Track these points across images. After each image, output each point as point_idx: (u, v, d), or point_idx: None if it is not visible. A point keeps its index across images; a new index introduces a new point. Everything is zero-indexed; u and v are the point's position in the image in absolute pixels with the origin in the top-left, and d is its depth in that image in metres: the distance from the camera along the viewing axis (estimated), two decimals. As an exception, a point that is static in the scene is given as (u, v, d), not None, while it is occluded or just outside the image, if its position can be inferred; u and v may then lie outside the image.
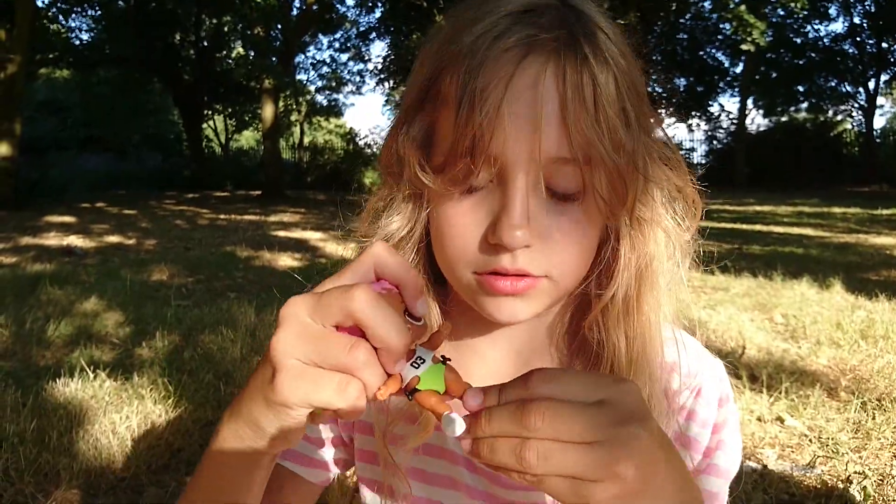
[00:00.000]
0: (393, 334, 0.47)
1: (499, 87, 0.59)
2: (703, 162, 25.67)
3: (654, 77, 26.65)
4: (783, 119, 26.76)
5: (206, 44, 25.51)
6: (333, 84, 31.89)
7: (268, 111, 20.36)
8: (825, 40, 26.12)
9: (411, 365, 0.50)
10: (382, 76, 25.55)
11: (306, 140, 31.61)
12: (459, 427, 0.48)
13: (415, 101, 0.66)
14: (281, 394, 0.49)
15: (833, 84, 26.13)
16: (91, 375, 3.09)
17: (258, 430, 0.56)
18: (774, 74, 26.38)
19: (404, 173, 0.67)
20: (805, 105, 26.60)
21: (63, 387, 2.95)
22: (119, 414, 2.72)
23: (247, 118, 31.88)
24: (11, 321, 4.26)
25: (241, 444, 0.58)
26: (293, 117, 30.28)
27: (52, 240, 9.49)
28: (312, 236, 9.65)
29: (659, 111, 0.81)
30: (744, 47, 18.28)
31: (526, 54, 0.59)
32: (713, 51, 26.88)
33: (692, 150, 26.58)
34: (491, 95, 0.58)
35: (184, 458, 2.44)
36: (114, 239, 9.72)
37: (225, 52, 26.24)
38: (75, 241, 9.37)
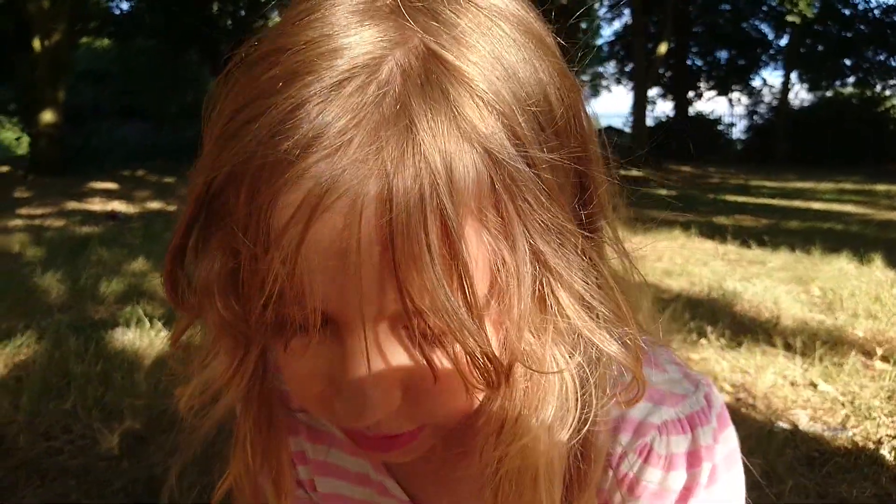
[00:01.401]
0: None
1: (296, 226, 0.38)
2: (743, 138, 25.14)
3: (694, 50, 26.12)
4: (828, 94, 26.03)
5: (243, 13, 25.65)
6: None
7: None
8: (875, 12, 25.25)
9: None
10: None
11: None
12: None
13: (195, 219, 0.45)
14: None
15: (882, 58, 25.31)
16: (148, 325, 3.25)
17: None
18: (820, 47, 25.63)
19: (208, 316, 0.46)
20: (852, 79, 25.84)
21: (121, 335, 3.12)
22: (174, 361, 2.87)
23: (282, 88, 32.01)
24: (67, 278, 4.45)
25: None
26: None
27: (96, 205, 9.78)
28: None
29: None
30: (789, 19, 17.78)
31: (333, 173, 0.38)
32: (756, 23, 26.19)
33: (732, 125, 26.06)
34: (286, 237, 0.38)
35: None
36: (155, 205, 9.98)
37: (262, 23, 26.33)
38: (118, 206, 9.65)
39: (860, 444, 2.32)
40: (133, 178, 15.57)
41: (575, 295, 0.44)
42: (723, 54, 26.41)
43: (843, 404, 2.66)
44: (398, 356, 0.44)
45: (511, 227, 0.41)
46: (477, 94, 0.40)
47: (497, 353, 0.42)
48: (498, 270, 0.41)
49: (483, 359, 0.42)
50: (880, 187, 13.56)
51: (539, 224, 0.42)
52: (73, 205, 9.65)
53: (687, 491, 0.55)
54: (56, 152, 15.49)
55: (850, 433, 2.40)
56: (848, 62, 25.69)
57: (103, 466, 2.09)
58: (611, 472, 0.55)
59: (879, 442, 2.32)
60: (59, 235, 6.64)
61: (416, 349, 0.44)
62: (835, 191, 13.02)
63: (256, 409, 0.58)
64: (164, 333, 3.21)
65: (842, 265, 5.28)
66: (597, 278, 0.47)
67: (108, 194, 11.39)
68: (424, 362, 0.44)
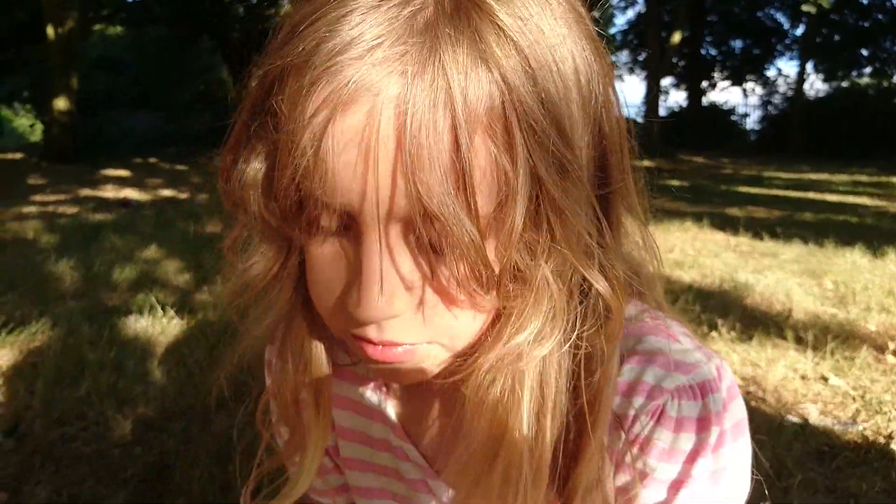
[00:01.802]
0: None
1: (319, 125, 0.44)
2: (757, 128, 24.92)
3: (708, 39, 25.86)
4: (844, 84, 25.73)
5: (254, 1, 25.64)
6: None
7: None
8: (893, 1, 24.89)
9: None
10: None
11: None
12: None
13: (248, 118, 0.51)
14: None
15: (899, 48, 24.97)
16: (160, 312, 3.28)
17: None
18: (837, 37, 25.31)
19: (250, 213, 0.52)
20: (868, 70, 25.52)
21: (134, 323, 3.15)
22: (187, 347, 2.90)
23: (294, 77, 32.03)
24: (80, 265, 4.49)
25: None
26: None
27: (109, 192, 9.84)
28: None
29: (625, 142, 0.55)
30: (805, 8, 17.55)
31: (360, 73, 0.43)
32: (772, 12, 25.89)
33: (746, 115, 25.84)
34: (308, 134, 0.44)
35: (246, 392, 2.59)
36: (167, 193, 10.03)
37: (273, 10, 26.34)
38: (131, 193, 9.71)
39: (871, 438, 2.31)
40: (145, 165, 15.65)
41: (568, 226, 0.47)
42: (737, 44, 26.16)
43: (853, 398, 2.64)
44: (406, 261, 0.48)
45: (516, 148, 0.44)
46: (500, 27, 0.43)
47: (491, 262, 0.46)
48: (499, 185, 0.44)
49: (478, 264, 0.46)
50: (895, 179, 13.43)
51: (543, 154, 0.45)
52: (86, 192, 9.71)
53: (695, 453, 0.57)
54: (69, 140, 15.58)
55: (861, 427, 2.39)
56: (864, 52, 25.36)
57: (117, 453, 2.12)
58: (623, 433, 0.58)
59: (890, 437, 2.31)
60: (73, 222, 6.69)
61: (423, 258, 0.48)
62: (849, 183, 12.90)
63: (300, 320, 0.63)
64: (176, 321, 3.24)
65: (855, 258, 5.23)
66: (596, 222, 0.51)
67: (121, 182, 11.46)
68: (429, 271, 0.48)
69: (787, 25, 26.21)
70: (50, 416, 2.30)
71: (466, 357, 0.53)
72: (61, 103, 15.37)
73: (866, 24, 24.74)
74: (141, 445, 2.17)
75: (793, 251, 5.54)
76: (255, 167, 0.50)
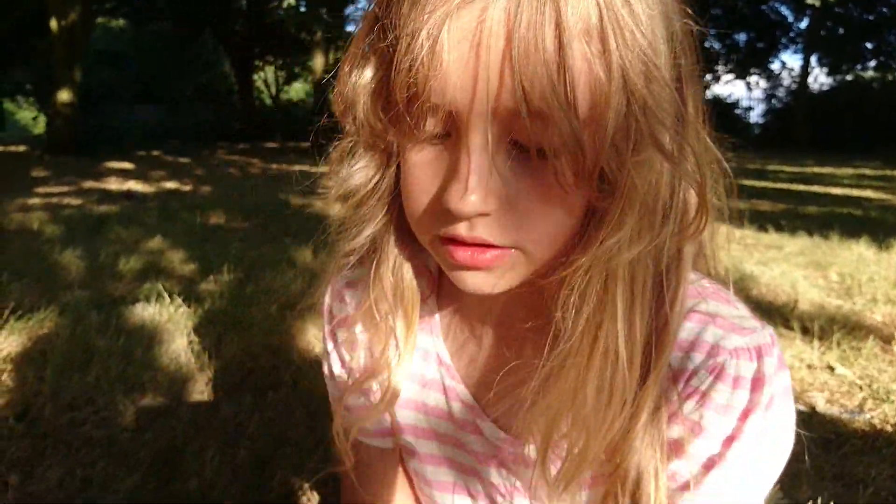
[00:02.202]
0: None
1: (436, 22, 0.48)
2: (761, 122, 24.85)
3: (712, 33, 25.66)
4: (848, 78, 25.63)
5: (257, -6, 25.58)
6: (383, 36, 31.62)
7: (318, 63, 20.45)
8: (898, -6, 24.75)
9: None
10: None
11: (355, 93, 31.59)
12: None
13: (366, 29, 0.57)
14: None
15: (904, 42, 24.86)
16: (168, 300, 3.29)
17: None
18: (841, 30, 25.21)
19: (359, 120, 0.58)
20: (873, 63, 25.42)
21: (142, 311, 3.16)
22: (195, 334, 2.91)
23: (296, 70, 32.02)
24: (86, 255, 4.50)
25: None
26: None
27: (112, 184, 9.85)
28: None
29: (700, 65, 0.60)
30: (809, 1, 17.50)
31: None
32: (776, 5, 25.79)
33: (750, 108, 25.77)
34: (426, 31, 0.48)
35: (254, 380, 2.61)
36: (171, 185, 10.03)
37: (276, 3, 26.28)
38: (134, 186, 9.71)
39: (878, 426, 2.31)
40: (148, 158, 15.67)
41: (656, 129, 0.51)
42: (741, 37, 26.07)
43: (860, 387, 2.65)
44: (504, 160, 0.52)
45: (611, 55, 0.48)
46: None
47: (589, 160, 0.50)
48: (595, 89, 0.48)
49: (577, 157, 0.50)
50: (900, 173, 13.39)
51: (635, 64, 0.49)
52: (89, 184, 9.72)
53: (747, 411, 0.61)
54: (72, 132, 15.60)
55: (868, 416, 2.40)
56: (869, 45, 25.24)
57: (127, 437, 2.13)
58: (681, 386, 0.62)
59: (897, 425, 2.31)
60: (77, 214, 6.70)
61: (520, 158, 0.53)
62: (854, 176, 12.87)
63: (391, 240, 0.68)
64: (183, 309, 3.24)
65: (860, 250, 5.23)
66: (679, 126, 0.54)
67: (125, 174, 11.47)
68: (525, 172, 0.53)
69: (791, 18, 26.11)
70: (60, 402, 2.31)
71: (549, 268, 0.58)
72: (64, 96, 15.37)
73: (871, 17, 24.62)
74: (151, 430, 2.18)
75: (797, 243, 5.53)
76: (368, 75, 0.56)
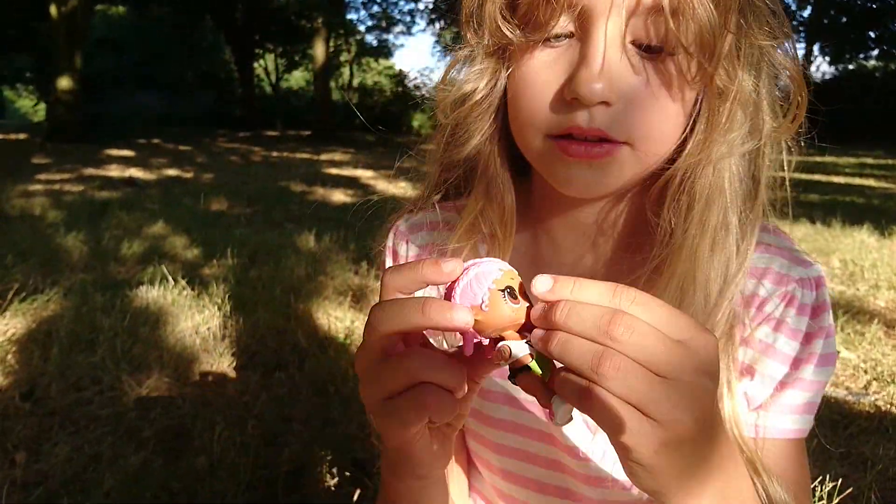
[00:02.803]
0: (440, 317, 0.45)
1: None
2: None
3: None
4: (850, 67, 25.52)
5: (257, -19, 25.43)
6: (383, 23, 31.52)
7: (319, 51, 20.37)
8: (902, -16, 24.60)
9: (525, 342, 0.46)
10: (433, 16, 25.18)
11: (355, 82, 31.55)
12: (569, 413, 0.45)
13: None
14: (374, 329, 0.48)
15: (907, 31, 24.72)
16: (171, 283, 3.28)
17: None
18: (844, 19, 25.08)
19: (484, 24, 0.62)
20: (875, 52, 25.30)
21: (146, 293, 3.16)
22: (200, 316, 2.91)
23: (297, 58, 31.90)
24: (89, 239, 4.50)
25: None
26: (342, 57, 30.18)
27: (114, 171, 9.83)
28: (364, 174, 9.77)
29: None
30: (813, -11, 17.36)
31: None
32: (779, -6, 25.60)
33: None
34: None
35: (260, 361, 2.61)
36: (172, 172, 10.02)
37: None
38: (136, 173, 9.69)
39: (883, 408, 2.31)
40: (149, 145, 15.64)
41: (763, 20, 0.59)
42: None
43: (865, 371, 2.65)
44: (632, 55, 0.57)
45: None
46: None
47: (715, 56, 0.55)
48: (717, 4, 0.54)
49: (706, 55, 0.55)
50: (902, 162, 13.35)
51: None
52: (91, 171, 9.70)
53: (811, 335, 0.67)
54: (73, 119, 15.56)
55: (873, 398, 2.40)
56: (872, 34, 25.11)
57: (134, 416, 2.13)
58: (753, 311, 0.67)
59: (902, 406, 2.32)
60: (79, 200, 6.69)
61: (645, 55, 0.57)
62: (856, 165, 12.84)
63: (495, 155, 0.70)
64: (187, 292, 3.24)
65: (863, 238, 5.23)
66: (780, 22, 0.61)
67: (126, 161, 11.45)
68: (650, 68, 0.57)
69: (794, 7, 25.95)
70: (66, 381, 2.31)
71: (659, 169, 0.62)
72: (64, 83, 15.33)
73: (874, 6, 24.49)
74: (158, 408, 2.18)
75: (800, 231, 5.53)
76: None
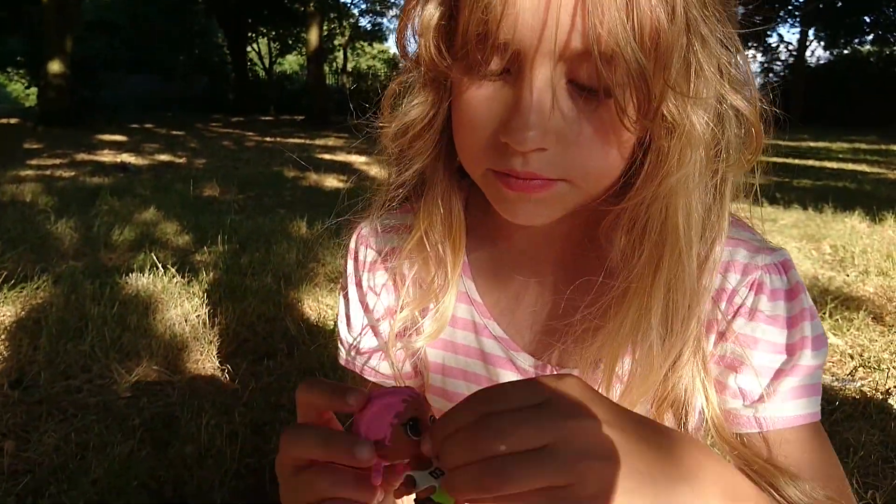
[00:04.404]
0: (342, 453, 0.48)
1: None
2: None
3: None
4: (845, 52, 25.49)
5: (250, -36, 25.17)
6: (377, 6, 31.30)
7: (312, 35, 20.20)
8: (897, -32, 24.50)
9: (430, 473, 0.49)
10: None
11: (349, 66, 31.35)
12: None
13: None
14: None
15: (902, 15, 24.67)
16: (161, 270, 3.28)
17: None
18: (839, 3, 25.01)
19: (420, 56, 0.62)
20: (870, 37, 25.25)
21: (136, 280, 3.15)
22: (190, 304, 2.91)
23: (290, 42, 31.67)
24: (80, 226, 4.48)
25: None
26: (336, 41, 29.96)
27: (105, 156, 9.77)
28: (357, 160, 9.73)
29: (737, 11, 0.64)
30: (809, -27, 17.30)
31: None
32: (775, -22, 25.50)
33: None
34: None
35: (249, 349, 2.61)
36: (164, 157, 9.97)
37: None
38: (128, 158, 9.64)
39: (868, 394, 2.33)
40: (142, 130, 15.54)
41: (712, 59, 0.56)
42: (738, 10, 25.80)
43: (851, 356, 2.67)
44: (565, 98, 0.55)
45: (676, 9, 0.52)
46: None
47: (654, 97, 0.54)
48: (659, 31, 0.52)
49: (643, 97, 0.53)
50: (895, 147, 13.38)
51: (692, 3, 0.53)
52: (82, 156, 9.65)
53: (793, 319, 0.66)
54: (65, 103, 15.43)
55: (859, 384, 2.42)
56: (867, 19, 25.06)
57: (123, 404, 2.14)
58: (723, 305, 0.67)
59: (888, 392, 2.33)
60: (71, 185, 6.65)
61: (580, 98, 0.55)
62: (849, 150, 12.87)
63: (440, 174, 0.71)
64: (177, 279, 3.24)
65: (854, 223, 5.25)
66: (733, 52, 0.59)
67: (118, 146, 11.38)
68: (585, 110, 0.55)
69: (789, -9, 25.86)
70: (55, 369, 2.31)
71: (597, 203, 0.62)
72: (55, 66, 15.19)
73: (870, -9, 24.41)
74: (146, 397, 2.19)
75: (792, 216, 5.54)
76: (434, 13, 0.59)
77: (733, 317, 0.67)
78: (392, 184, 0.75)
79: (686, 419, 0.67)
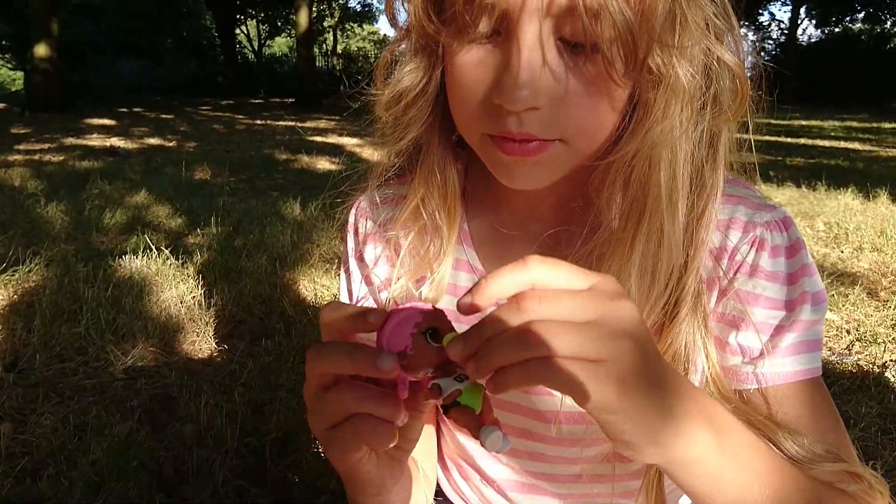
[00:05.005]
0: (366, 364, 0.48)
1: None
2: (749, 74, 24.75)
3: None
4: (836, 30, 25.45)
5: (238, -56, 24.83)
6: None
7: (302, 16, 19.97)
8: (889, -55, 24.41)
9: (454, 379, 0.49)
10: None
11: (339, 47, 31.09)
12: (501, 440, 0.48)
13: None
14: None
15: (893, -7, 24.62)
16: (155, 252, 3.25)
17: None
18: (831, -19, 24.92)
19: (410, 23, 0.63)
20: (861, 15, 25.21)
21: (129, 263, 3.12)
22: (185, 285, 2.89)
23: (279, 23, 31.36)
24: (70, 209, 4.44)
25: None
26: (326, 23, 29.68)
27: (95, 141, 9.67)
28: (349, 142, 9.67)
29: None
30: (801, -49, 17.22)
31: None
32: (767, -45, 25.37)
33: (738, 62, 25.53)
34: None
35: (246, 329, 2.60)
36: (154, 141, 9.88)
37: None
38: (117, 142, 9.54)
39: (865, 367, 2.34)
40: (131, 113, 15.39)
41: (697, 10, 0.57)
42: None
43: (847, 331, 2.68)
44: (555, 56, 0.55)
45: None
46: None
47: (640, 51, 0.54)
48: None
49: (629, 45, 0.53)
50: (887, 125, 13.41)
51: None
52: (71, 140, 9.55)
53: (793, 275, 0.66)
54: (53, 88, 15.24)
55: (856, 358, 2.43)
56: (859, -3, 24.99)
57: (119, 385, 2.12)
58: (725, 262, 0.67)
59: (885, 366, 2.34)
60: (60, 170, 6.58)
61: (569, 54, 0.56)
62: (841, 128, 12.89)
63: (436, 141, 0.70)
64: (171, 261, 3.21)
65: (847, 200, 5.26)
66: (721, 11, 0.60)
67: (107, 130, 11.27)
68: (574, 67, 0.56)
69: (782, -31, 25.76)
70: (50, 352, 2.29)
71: (593, 160, 0.62)
72: (42, 50, 14.99)
73: (862, -32, 24.35)
74: (143, 378, 2.17)
75: (785, 194, 5.55)
76: None
77: (734, 274, 0.67)
78: (388, 153, 0.76)
79: (686, 376, 0.66)
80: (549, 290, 0.44)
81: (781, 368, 0.66)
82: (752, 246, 0.66)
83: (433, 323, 0.50)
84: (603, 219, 0.64)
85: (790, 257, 0.66)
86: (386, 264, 0.80)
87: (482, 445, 0.48)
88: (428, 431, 0.88)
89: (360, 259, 0.83)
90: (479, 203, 0.77)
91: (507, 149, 0.59)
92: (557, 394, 0.73)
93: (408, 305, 0.51)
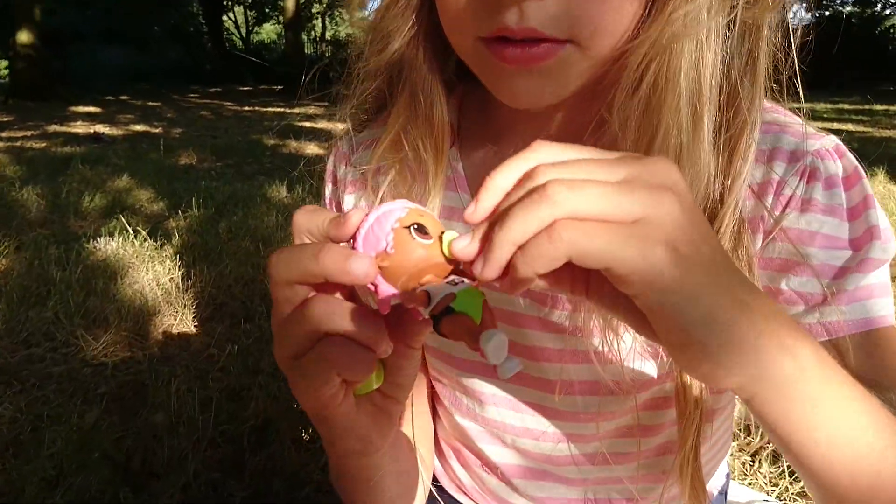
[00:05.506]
0: (335, 266, 0.38)
1: None
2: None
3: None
4: (827, 13, 25.37)
5: (223, -71, 24.46)
6: (356, -27, 30.69)
7: (289, 2, 19.69)
8: (881, -74, 24.31)
9: (447, 282, 0.39)
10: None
11: (328, 34, 30.81)
12: (505, 346, 0.36)
13: None
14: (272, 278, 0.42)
15: (885, -25, 24.54)
16: (132, 234, 3.11)
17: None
18: (823, -36, 24.81)
19: None
20: (853, -2, 25.13)
21: (104, 245, 2.98)
22: (162, 267, 2.75)
23: (267, 10, 31.03)
24: (47, 193, 4.28)
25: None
26: (314, 9, 29.39)
27: (79, 128, 9.47)
28: (338, 127, 9.48)
29: None
30: (794, -69, 17.12)
31: None
32: (759, -62, 25.25)
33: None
34: None
35: (227, 312, 2.47)
36: (140, 128, 9.69)
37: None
38: (102, 129, 9.35)
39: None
40: (117, 101, 15.14)
41: None
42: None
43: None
44: None
45: None
46: None
47: None
48: None
49: None
50: (878, 107, 13.34)
51: None
52: (55, 127, 9.34)
53: (854, 209, 0.55)
54: (36, 75, 14.98)
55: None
56: (851, -21, 24.94)
57: (88, 372, 1.99)
58: (770, 200, 0.56)
59: None
60: (41, 155, 6.41)
61: None
62: (833, 111, 12.79)
63: (424, 49, 0.59)
64: (149, 243, 3.07)
65: (846, 179, 5.18)
66: None
67: (92, 117, 11.06)
68: None
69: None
70: (15, 338, 2.16)
71: (608, 67, 0.50)
72: (24, 37, 14.72)
73: (853, -50, 24.29)
74: (115, 364, 2.04)
75: (783, 174, 5.47)
76: None
77: (783, 211, 0.56)
78: (365, 66, 0.63)
79: None
80: (565, 161, 0.36)
81: (852, 315, 0.54)
82: (801, 177, 0.55)
83: (419, 220, 0.39)
84: (620, 145, 0.51)
85: (849, 188, 0.55)
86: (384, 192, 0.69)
87: (484, 356, 0.36)
88: (423, 409, 0.77)
89: (338, 208, 0.73)
90: (476, 141, 0.66)
91: (508, 55, 0.48)
92: (569, 365, 0.62)
93: (388, 202, 0.41)
